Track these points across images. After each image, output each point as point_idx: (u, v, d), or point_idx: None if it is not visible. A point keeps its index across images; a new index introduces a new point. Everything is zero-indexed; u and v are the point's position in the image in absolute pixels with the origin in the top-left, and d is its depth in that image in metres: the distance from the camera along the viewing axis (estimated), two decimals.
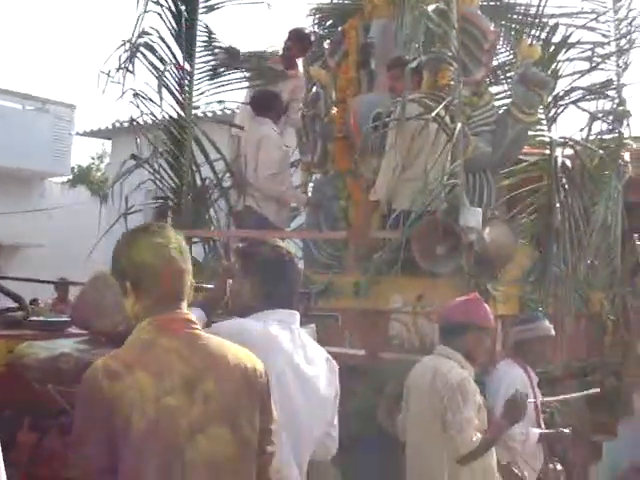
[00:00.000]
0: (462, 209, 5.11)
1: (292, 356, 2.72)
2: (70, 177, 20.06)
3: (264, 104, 6.64)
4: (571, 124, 8.49)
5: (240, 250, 3.02)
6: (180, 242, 2.26)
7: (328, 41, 7.36)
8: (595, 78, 6.97)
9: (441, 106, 5.22)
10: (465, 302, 3.89)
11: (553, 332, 4.79)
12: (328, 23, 7.81)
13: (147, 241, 2.23)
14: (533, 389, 4.66)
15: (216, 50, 6.54)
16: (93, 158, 24.20)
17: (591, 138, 6.80)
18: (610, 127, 7.14)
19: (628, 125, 7.17)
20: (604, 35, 7.08)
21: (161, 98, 5.94)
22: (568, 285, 5.99)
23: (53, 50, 47.11)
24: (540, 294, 5.80)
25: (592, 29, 6.88)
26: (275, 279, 2.82)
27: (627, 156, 7.19)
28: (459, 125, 5.25)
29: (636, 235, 7.25)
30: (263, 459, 2.24)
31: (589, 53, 6.88)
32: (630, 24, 7.11)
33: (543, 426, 4.72)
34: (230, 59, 6.82)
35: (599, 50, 6.99)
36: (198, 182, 6.36)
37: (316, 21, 7.85)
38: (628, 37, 7.10)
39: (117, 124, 15.17)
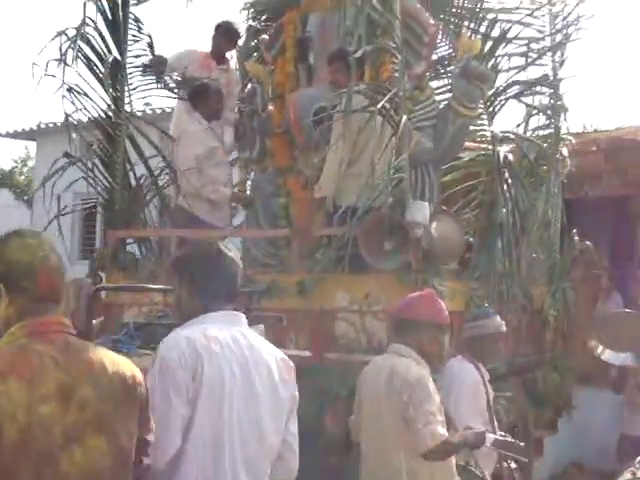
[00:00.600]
0: (408, 204, 5.00)
1: (235, 360, 2.53)
2: None
3: (194, 98, 6.46)
4: (509, 120, 8.47)
5: (171, 261, 2.90)
6: (53, 248, 2.18)
7: (264, 35, 7.17)
8: (533, 73, 6.99)
9: (386, 97, 5.10)
10: (418, 298, 3.76)
11: (504, 328, 4.71)
12: (263, 17, 7.62)
13: (22, 241, 2.15)
14: (485, 386, 4.58)
15: (145, 46, 6.29)
16: (16, 161, 23.44)
17: (529, 133, 6.76)
18: (548, 122, 7.14)
19: (565, 120, 7.18)
20: (540, 30, 7.06)
21: (108, 91, 5.66)
22: (512, 280, 5.93)
23: None
24: (485, 290, 5.73)
25: (528, 25, 6.85)
26: (206, 277, 2.64)
27: (565, 151, 7.19)
28: (404, 118, 5.14)
29: (574, 230, 7.25)
30: (138, 470, 2.20)
31: (526, 48, 6.88)
32: (565, 19, 7.10)
33: (496, 424, 4.64)
34: (156, 68, 6.60)
35: (537, 45, 6.98)
36: (133, 181, 6.09)
37: (251, 15, 7.67)
38: (564, 32, 7.09)
39: (42, 125, 14.69)
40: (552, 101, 6.99)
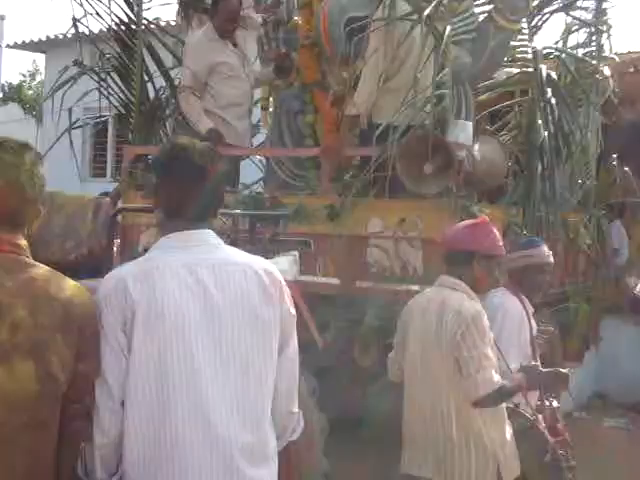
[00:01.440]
0: (451, 123, 4.62)
1: (185, 286, 2.13)
2: (0, 94, 18.85)
3: (210, 7, 5.98)
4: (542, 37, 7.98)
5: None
6: (34, 167, 2.10)
7: None
8: None
9: (432, 5, 4.66)
10: (472, 227, 3.41)
11: (552, 259, 4.37)
12: None
13: None
14: (529, 320, 4.26)
15: None
16: (24, 75, 22.92)
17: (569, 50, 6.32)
18: (589, 39, 6.68)
19: (608, 38, 6.71)
20: None
21: None
22: (551, 207, 5.59)
23: None
24: (524, 217, 5.39)
25: None
26: (168, 186, 2.22)
27: (607, 71, 6.75)
28: (448, 28, 4.72)
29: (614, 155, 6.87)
30: (73, 408, 2.06)
31: None
32: None
33: (539, 360, 4.35)
34: None
35: None
36: (151, 94, 5.70)
37: None
38: None
39: (52, 36, 14.13)
40: (595, 17, 6.53)
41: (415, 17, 4.76)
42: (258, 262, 2.29)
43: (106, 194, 5.35)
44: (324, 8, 5.76)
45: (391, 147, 4.59)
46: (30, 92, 22.23)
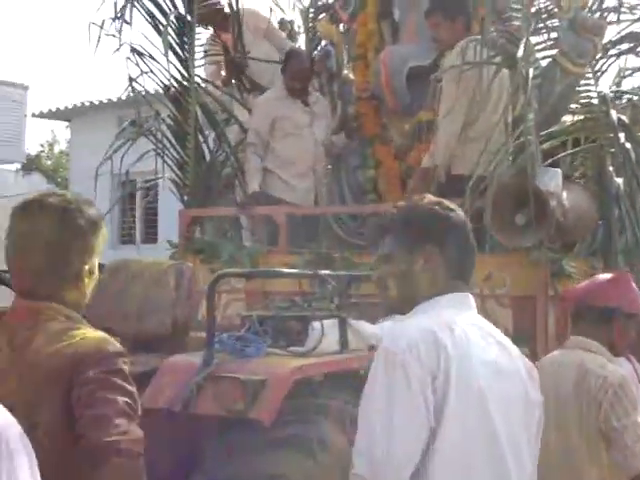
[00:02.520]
0: (540, 170, 4.32)
1: (483, 353, 1.90)
2: (23, 163, 18.67)
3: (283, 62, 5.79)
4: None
5: (397, 215, 2.10)
6: (57, 232, 1.97)
7: None
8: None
9: (521, 47, 4.40)
10: (611, 282, 3.08)
11: None
12: None
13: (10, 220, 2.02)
14: None
15: None
16: (42, 145, 22.87)
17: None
18: None
19: None
20: None
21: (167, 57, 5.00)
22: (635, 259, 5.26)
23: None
24: (608, 269, 5.06)
25: None
26: (457, 244, 2.03)
27: None
28: (531, 71, 4.45)
29: None
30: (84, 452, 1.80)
31: None
32: None
33: None
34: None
35: None
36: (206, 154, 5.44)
37: None
38: None
39: (78, 104, 14.03)
40: None
41: (499, 60, 4.51)
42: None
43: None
44: (384, 59, 5.51)
45: (481, 198, 4.29)
46: (49, 162, 22.16)
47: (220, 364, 2.90)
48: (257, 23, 6.30)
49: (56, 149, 22.80)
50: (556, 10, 6.18)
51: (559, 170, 4.47)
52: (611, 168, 5.42)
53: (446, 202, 2.08)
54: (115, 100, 12.29)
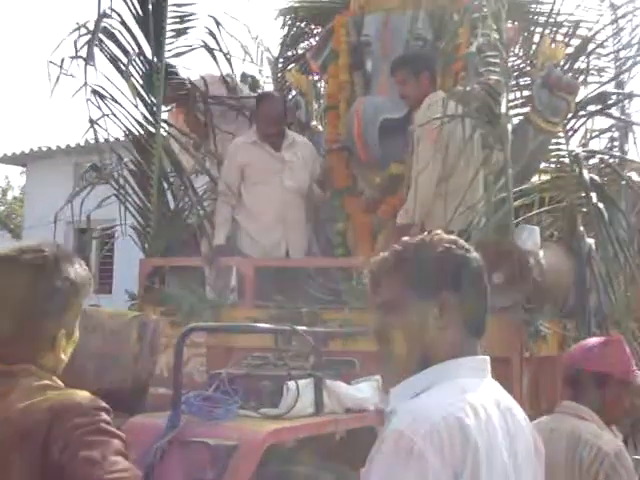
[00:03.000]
0: (518, 228, 4.21)
1: (503, 439, 1.65)
2: None
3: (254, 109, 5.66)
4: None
5: (406, 254, 1.79)
6: (11, 294, 1.80)
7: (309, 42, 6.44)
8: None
9: (503, 103, 4.33)
10: (607, 345, 2.92)
11: None
12: (303, 23, 6.90)
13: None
14: None
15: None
16: None
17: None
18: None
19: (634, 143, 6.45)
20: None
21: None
22: (609, 320, 5.15)
23: None
24: (581, 331, 4.94)
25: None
26: (477, 297, 1.77)
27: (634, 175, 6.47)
28: (509, 126, 4.38)
29: None
30: None
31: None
32: None
33: None
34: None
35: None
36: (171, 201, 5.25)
37: (288, 21, 6.92)
38: None
39: (35, 148, 13.74)
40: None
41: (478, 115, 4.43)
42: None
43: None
44: (357, 110, 5.40)
45: None
46: (2, 208, 21.73)
47: (187, 427, 2.67)
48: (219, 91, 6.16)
49: (9, 195, 22.38)
50: (528, 68, 6.22)
51: (536, 228, 4.37)
52: (582, 228, 5.38)
53: (461, 241, 1.82)
54: (73, 146, 12.09)
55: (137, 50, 5.19)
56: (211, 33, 5.51)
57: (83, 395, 1.77)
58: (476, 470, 1.52)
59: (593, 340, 3.08)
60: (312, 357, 3.16)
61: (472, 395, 1.63)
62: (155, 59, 5.29)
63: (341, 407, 3.11)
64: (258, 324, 3.65)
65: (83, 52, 4.96)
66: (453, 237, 1.83)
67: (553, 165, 5.98)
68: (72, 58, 4.95)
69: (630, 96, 5.90)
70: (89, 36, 4.95)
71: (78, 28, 4.97)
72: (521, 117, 5.51)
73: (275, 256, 5.45)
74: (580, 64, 6.16)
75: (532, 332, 4.44)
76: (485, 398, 1.66)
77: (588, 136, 6.37)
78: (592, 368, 2.86)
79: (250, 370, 3.03)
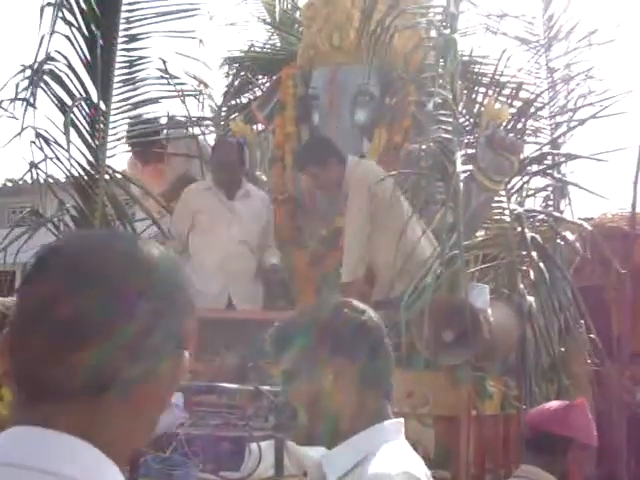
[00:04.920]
0: (469, 286, 4.22)
1: None
2: None
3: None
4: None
5: (299, 322, 1.79)
6: None
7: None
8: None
9: (458, 161, 4.38)
10: (571, 409, 2.92)
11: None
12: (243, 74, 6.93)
13: None
14: None
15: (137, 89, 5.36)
16: None
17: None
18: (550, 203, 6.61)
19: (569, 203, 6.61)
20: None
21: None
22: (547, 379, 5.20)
23: None
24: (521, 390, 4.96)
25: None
26: (376, 358, 1.74)
27: (569, 235, 6.60)
28: (461, 184, 4.42)
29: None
30: None
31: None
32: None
33: None
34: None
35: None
36: None
37: (232, 71, 6.92)
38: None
39: None
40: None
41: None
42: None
43: None
44: None
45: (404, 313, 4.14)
46: None
47: None
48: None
49: None
50: (471, 127, 6.33)
51: (487, 286, 4.39)
52: (522, 286, 5.43)
53: (355, 302, 1.80)
54: (9, 186, 11.76)
55: (84, 94, 5.06)
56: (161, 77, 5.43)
57: None
58: None
59: (555, 403, 3.08)
60: (272, 417, 3.06)
61: (408, 462, 1.63)
62: (101, 103, 5.17)
63: (300, 469, 3.02)
64: (221, 384, 3.53)
65: (27, 94, 4.82)
66: (349, 300, 1.82)
67: (494, 223, 6.09)
68: (11, 101, 4.81)
69: (568, 157, 6.03)
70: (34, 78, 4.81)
71: (23, 70, 4.84)
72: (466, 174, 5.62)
73: (217, 306, 5.32)
74: (520, 125, 6.33)
75: (480, 390, 4.46)
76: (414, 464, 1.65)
77: (524, 194, 6.55)
78: (557, 432, 2.85)
79: (210, 430, 2.92)
